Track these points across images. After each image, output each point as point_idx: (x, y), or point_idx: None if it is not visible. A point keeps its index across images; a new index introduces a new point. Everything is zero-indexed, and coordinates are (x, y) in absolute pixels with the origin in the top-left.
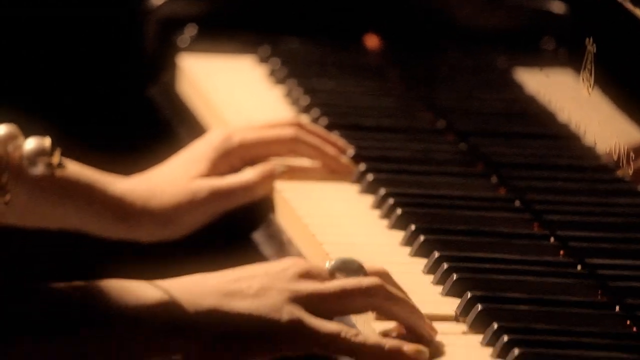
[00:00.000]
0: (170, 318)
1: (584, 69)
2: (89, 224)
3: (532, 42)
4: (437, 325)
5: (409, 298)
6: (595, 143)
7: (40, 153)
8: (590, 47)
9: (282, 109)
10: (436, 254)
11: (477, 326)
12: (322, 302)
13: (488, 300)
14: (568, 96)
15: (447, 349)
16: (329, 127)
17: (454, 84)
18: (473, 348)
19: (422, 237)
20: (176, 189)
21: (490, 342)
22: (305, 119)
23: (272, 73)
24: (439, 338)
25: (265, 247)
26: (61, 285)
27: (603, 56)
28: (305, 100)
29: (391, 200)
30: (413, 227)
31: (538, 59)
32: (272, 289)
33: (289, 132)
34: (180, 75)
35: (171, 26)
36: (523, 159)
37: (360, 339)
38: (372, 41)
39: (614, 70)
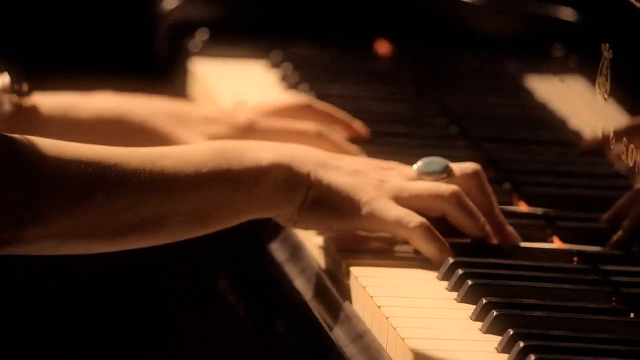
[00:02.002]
0: (279, 179)
1: (600, 74)
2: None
3: (543, 48)
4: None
5: (492, 205)
6: (611, 149)
7: (2, 90)
8: (607, 53)
9: None
10: (450, 260)
11: (491, 332)
12: (403, 197)
13: (503, 306)
14: (581, 102)
15: (463, 355)
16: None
17: (466, 89)
18: (488, 353)
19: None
20: (189, 134)
21: (505, 349)
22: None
23: (284, 78)
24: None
25: (341, 338)
26: (191, 147)
27: (619, 62)
28: None
29: None
30: None
31: (549, 65)
32: (365, 174)
33: (312, 127)
34: (192, 79)
35: (183, 30)
36: (535, 165)
37: (412, 224)
38: (383, 46)
39: (631, 76)
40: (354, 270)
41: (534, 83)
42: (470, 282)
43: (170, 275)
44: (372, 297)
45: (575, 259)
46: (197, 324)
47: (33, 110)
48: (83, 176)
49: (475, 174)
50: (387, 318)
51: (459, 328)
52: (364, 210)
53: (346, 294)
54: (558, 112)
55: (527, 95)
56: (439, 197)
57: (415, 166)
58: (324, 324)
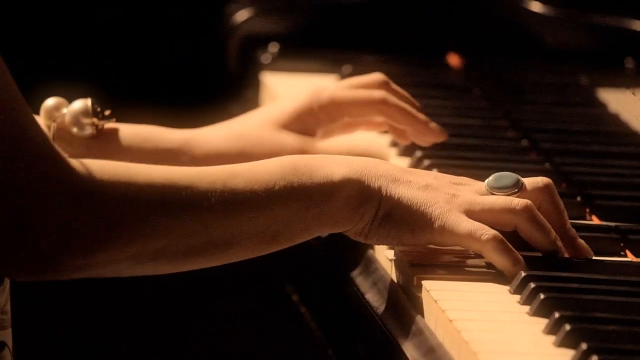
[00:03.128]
0: (351, 194)
1: None
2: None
3: (615, 61)
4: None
5: (564, 219)
6: None
7: (85, 114)
8: None
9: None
10: (522, 274)
11: (565, 345)
12: (474, 211)
13: (576, 320)
14: None
15: None
16: (412, 146)
17: (538, 102)
18: None
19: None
20: (260, 134)
21: None
22: (388, 138)
23: None
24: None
25: (412, 352)
26: (262, 164)
27: None
28: None
29: None
30: None
31: (621, 78)
32: (436, 189)
33: (378, 94)
34: (264, 92)
35: (254, 44)
36: (607, 178)
37: (485, 237)
38: (455, 59)
39: None
40: (426, 284)
41: (606, 96)
42: (542, 296)
43: (242, 289)
44: (444, 311)
45: None
46: (268, 338)
47: (113, 135)
48: (154, 199)
49: (546, 187)
50: (459, 332)
51: (532, 342)
52: (436, 224)
53: (418, 307)
54: (630, 125)
55: (599, 108)
56: (510, 211)
57: (486, 181)
58: (395, 338)
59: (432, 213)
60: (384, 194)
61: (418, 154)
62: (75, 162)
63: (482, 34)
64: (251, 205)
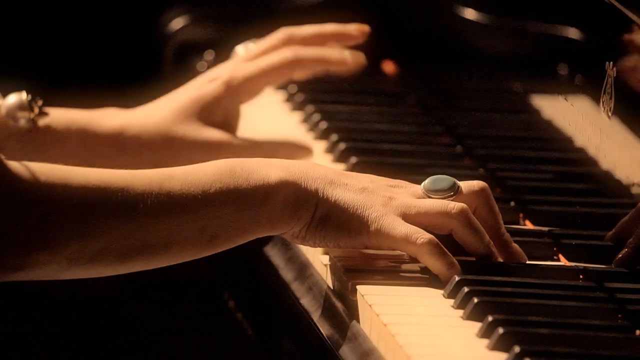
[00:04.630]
0: (287, 197)
1: (604, 93)
2: (89, 162)
3: (548, 67)
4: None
5: (499, 223)
6: (615, 167)
7: (19, 107)
8: (611, 71)
9: (300, 134)
10: (456, 278)
11: (498, 349)
12: (410, 215)
13: (509, 324)
14: (586, 121)
15: None
16: (347, 152)
17: (472, 108)
18: None
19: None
20: (179, 101)
21: None
22: (323, 144)
23: (290, 99)
24: None
25: (347, 356)
26: (199, 167)
27: (622, 80)
28: (324, 125)
29: None
30: None
31: (554, 84)
32: (373, 192)
33: (289, 54)
34: None
35: (189, 51)
36: (541, 183)
37: (420, 241)
38: (389, 66)
39: (634, 95)
40: (361, 289)
41: (540, 102)
42: (476, 300)
43: (177, 295)
44: (378, 315)
45: (580, 276)
46: (205, 344)
47: (48, 127)
48: (90, 201)
49: (482, 191)
50: (393, 336)
51: (465, 346)
52: (372, 227)
53: (353, 312)
54: (563, 131)
55: (532, 114)
56: (446, 214)
57: (422, 184)
58: (330, 343)
59: (368, 216)
60: (320, 197)
61: (353, 160)
62: (11, 164)
63: (417, 40)
64: (187, 207)
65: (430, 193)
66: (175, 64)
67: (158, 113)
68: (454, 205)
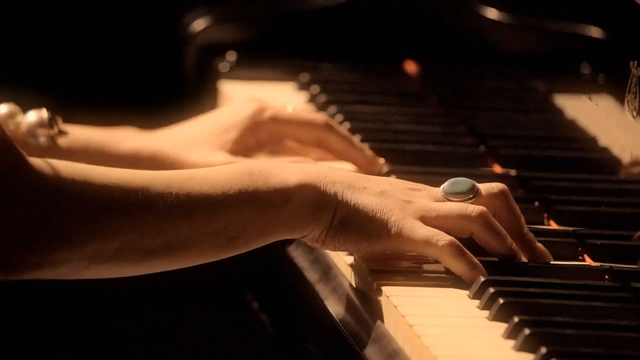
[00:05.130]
0: (307, 200)
1: (628, 92)
2: None
3: (571, 66)
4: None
5: (521, 224)
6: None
7: (39, 125)
8: (635, 70)
9: None
10: (481, 279)
11: (524, 350)
12: (430, 218)
13: (535, 325)
14: (610, 121)
15: None
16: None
17: (495, 108)
18: None
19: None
20: (198, 154)
21: None
22: None
23: (312, 99)
24: None
25: (372, 357)
26: (218, 169)
27: None
28: (346, 126)
29: None
30: None
31: (578, 83)
32: (392, 196)
33: (321, 118)
34: (222, 101)
35: (211, 52)
36: (565, 183)
37: (442, 243)
38: (411, 66)
39: None
40: (386, 290)
41: (563, 101)
42: (501, 301)
43: (201, 295)
44: (404, 316)
45: (606, 276)
46: (229, 345)
47: (67, 145)
48: (110, 200)
49: (501, 193)
50: (419, 337)
51: (491, 347)
52: (393, 231)
53: (378, 313)
54: (587, 130)
55: (556, 114)
56: (465, 217)
57: (441, 187)
58: (355, 344)
59: (388, 220)
60: (340, 200)
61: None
62: (34, 160)
63: (439, 40)
64: (207, 208)
65: (449, 196)
66: (197, 65)
67: (172, 140)
68: (473, 208)
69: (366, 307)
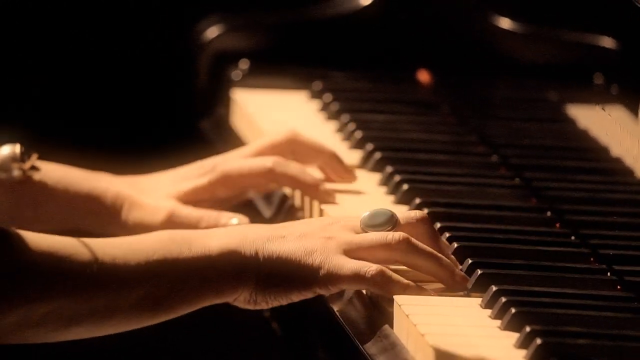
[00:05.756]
0: (230, 265)
1: None
2: (74, 221)
3: (584, 77)
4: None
5: (440, 246)
6: None
7: (12, 159)
8: None
9: (335, 143)
10: (494, 288)
11: (536, 359)
12: (352, 251)
13: (547, 334)
14: (623, 131)
15: None
16: (383, 162)
17: (507, 118)
18: None
19: (479, 271)
20: (150, 199)
21: None
22: (358, 153)
23: (325, 108)
24: None
25: None
26: (142, 237)
27: None
28: (359, 134)
29: (447, 234)
30: (469, 261)
31: (590, 93)
32: (311, 236)
33: (268, 163)
34: (235, 109)
35: (224, 60)
36: (577, 193)
37: (369, 274)
38: (424, 75)
39: None
40: (398, 299)
41: (575, 112)
42: (513, 310)
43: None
44: (415, 326)
45: (618, 287)
46: (241, 352)
47: (40, 181)
48: (42, 269)
49: (421, 221)
50: (430, 346)
51: (504, 356)
52: (321, 273)
53: (390, 322)
54: (599, 141)
55: (568, 124)
56: (386, 246)
57: (360, 219)
58: (366, 352)
59: (312, 262)
60: (261, 257)
61: (388, 169)
62: None
63: (452, 50)
64: (130, 274)
65: (368, 229)
66: (210, 73)
67: (135, 184)
68: (392, 236)
69: (378, 315)
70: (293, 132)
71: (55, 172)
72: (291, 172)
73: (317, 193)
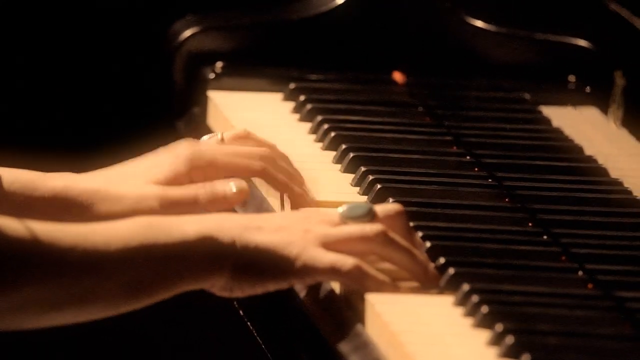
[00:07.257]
0: (207, 250)
1: (613, 102)
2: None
3: (557, 77)
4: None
5: (415, 241)
6: (624, 176)
7: None
8: (620, 79)
9: (308, 144)
10: (466, 287)
11: (508, 356)
12: (330, 243)
13: (519, 332)
14: (595, 130)
15: None
16: (356, 162)
17: (481, 118)
18: None
19: (451, 270)
20: (127, 186)
21: None
22: (332, 154)
23: (299, 109)
24: None
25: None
26: (120, 222)
27: (632, 89)
28: (332, 136)
29: (420, 233)
30: (442, 259)
31: (564, 93)
32: (289, 228)
33: (259, 165)
34: (210, 109)
35: (199, 60)
36: (550, 192)
37: (345, 268)
38: (399, 76)
39: None
40: (369, 297)
41: (549, 111)
42: (485, 309)
43: (187, 303)
44: (387, 324)
45: (589, 285)
46: (215, 352)
47: None
48: (20, 253)
49: (397, 215)
50: (402, 344)
51: (475, 354)
52: (297, 264)
53: (361, 320)
54: (573, 140)
55: (542, 124)
56: (364, 238)
57: (339, 211)
58: (338, 351)
59: (289, 254)
60: (238, 246)
61: (362, 169)
62: None
63: (427, 50)
64: (110, 260)
65: (347, 220)
66: (186, 73)
67: (102, 176)
68: (371, 228)
69: (350, 313)
70: (271, 154)
71: (9, 176)
72: (280, 178)
73: (302, 201)
